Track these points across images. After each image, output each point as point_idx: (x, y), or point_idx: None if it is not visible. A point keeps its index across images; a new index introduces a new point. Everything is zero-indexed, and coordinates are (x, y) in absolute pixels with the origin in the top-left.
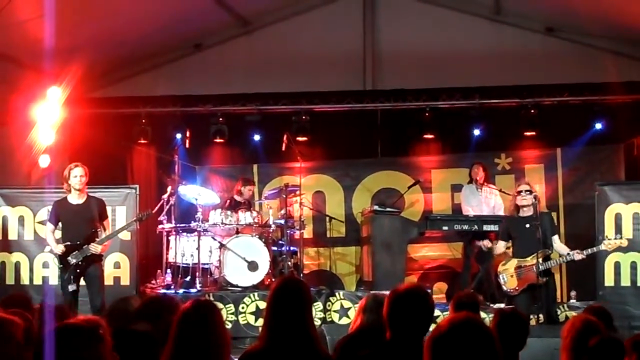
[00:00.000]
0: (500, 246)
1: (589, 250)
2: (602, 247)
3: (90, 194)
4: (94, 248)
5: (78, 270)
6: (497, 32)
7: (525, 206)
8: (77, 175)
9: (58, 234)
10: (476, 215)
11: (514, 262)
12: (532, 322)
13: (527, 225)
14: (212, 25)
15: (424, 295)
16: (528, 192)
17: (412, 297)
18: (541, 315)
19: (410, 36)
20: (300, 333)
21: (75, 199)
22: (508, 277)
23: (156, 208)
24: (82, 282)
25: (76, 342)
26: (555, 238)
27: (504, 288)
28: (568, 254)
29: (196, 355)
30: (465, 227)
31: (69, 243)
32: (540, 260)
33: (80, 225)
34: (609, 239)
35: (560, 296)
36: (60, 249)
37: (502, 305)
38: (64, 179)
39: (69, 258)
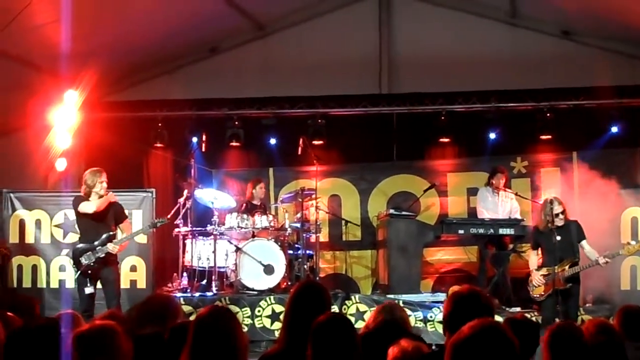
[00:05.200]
0: (533, 257)
1: (612, 254)
2: (622, 251)
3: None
4: (112, 247)
5: (90, 272)
6: (513, 35)
7: (559, 215)
8: (104, 181)
9: (75, 237)
10: (492, 219)
11: (538, 273)
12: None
13: (558, 238)
14: (227, 29)
15: (484, 296)
16: (562, 214)
17: (474, 298)
18: (559, 320)
19: (426, 40)
20: None
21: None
22: (535, 285)
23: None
24: (98, 285)
25: (92, 347)
26: (584, 243)
27: (532, 295)
28: (595, 260)
29: None
30: (481, 230)
31: (82, 245)
32: (566, 267)
33: (97, 230)
34: (631, 244)
35: None
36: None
37: (518, 309)
38: (84, 184)
39: (82, 259)
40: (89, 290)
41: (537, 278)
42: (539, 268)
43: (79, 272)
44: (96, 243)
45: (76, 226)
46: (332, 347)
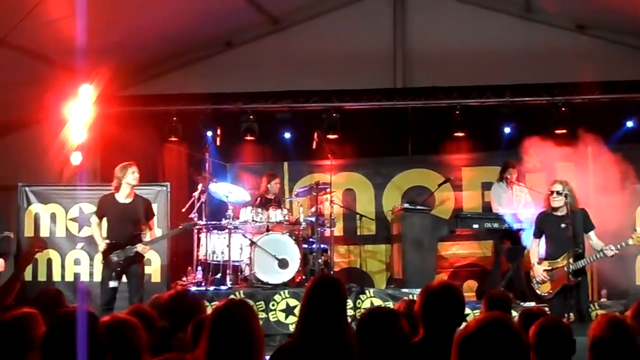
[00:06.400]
0: (535, 246)
1: (619, 245)
2: (631, 241)
3: (137, 194)
4: (142, 248)
5: (119, 269)
6: (528, 30)
7: (559, 207)
8: (135, 171)
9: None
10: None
11: (541, 266)
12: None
13: (562, 225)
14: (242, 24)
15: (455, 291)
16: (559, 194)
17: (444, 293)
18: (572, 314)
19: (440, 34)
20: (334, 331)
21: (123, 198)
22: (539, 281)
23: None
24: (123, 279)
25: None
26: (591, 234)
27: (538, 292)
28: (601, 250)
29: (230, 355)
30: (496, 225)
31: (113, 241)
32: (571, 260)
33: (126, 225)
34: (637, 232)
35: (591, 295)
36: (103, 246)
37: (533, 304)
38: (115, 177)
39: (112, 256)
40: (113, 284)
41: (540, 273)
42: (540, 262)
43: (108, 268)
44: (124, 242)
45: (105, 221)
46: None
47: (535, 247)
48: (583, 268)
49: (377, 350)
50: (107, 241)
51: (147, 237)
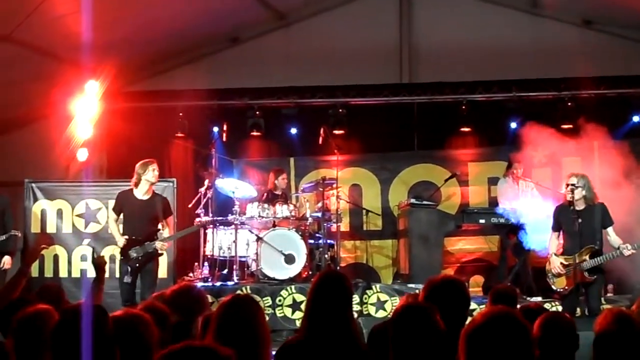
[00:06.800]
0: (554, 240)
1: (636, 244)
2: None
3: (156, 192)
4: (160, 246)
5: (137, 265)
6: (535, 25)
7: (576, 201)
8: (155, 169)
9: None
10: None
11: (557, 260)
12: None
13: (580, 220)
14: (248, 19)
15: (459, 285)
16: (574, 187)
17: (448, 286)
18: (580, 310)
19: (446, 29)
20: (340, 326)
21: (141, 194)
22: (555, 274)
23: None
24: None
25: (121, 336)
26: (610, 230)
27: (554, 288)
28: (618, 248)
29: (236, 350)
30: (502, 220)
31: (132, 237)
32: (587, 257)
33: (143, 221)
34: None
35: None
36: (122, 241)
37: (539, 299)
38: (135, 173)
39: (130, 252)
40: (128, 279)
41: (557, 266)
42: (557, 255)
43: (125, 264)
44: (142, 238)
45: (123, 214)
46: (413, 336)
47: (555, 240)
48: (600, 266)
49: (413, 346)
50: (126, 237)
51: (164, 234)
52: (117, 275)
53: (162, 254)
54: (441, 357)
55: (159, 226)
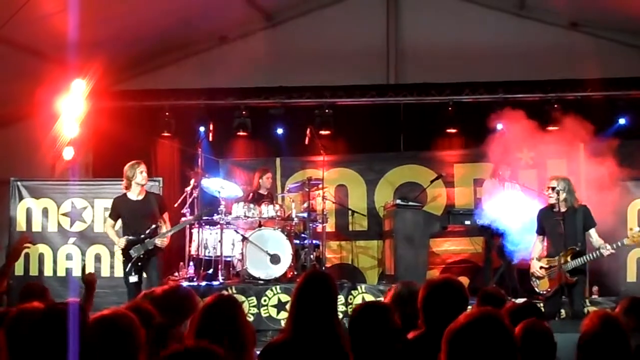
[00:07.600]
0: (538, 244)
1: (615, 244)
2: (626, 241)
3: (149, 191)
4: (160, 242)
5: (140, 263)
6: (521, 26)
7: (557, 204)
8: (143, 171)
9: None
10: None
11: (538, 264)
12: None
13: (561, 222)
14: (236, 19)
15: (459, 286)
16: (554, 190)
17: (448, 288)
18: (562, 311)
19: (434, 30)
20: (325, 327)
21: (135, 195)
22: (537, 277)
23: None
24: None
25: (107, 335)
26: (592, 232)
27: (537, 290)
28: (598, 249)
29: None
30: (487, 221)
31: (131, 237)
32: (569, 258)
33: (141, 221)
34: (634, 230)
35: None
36: (122, 242)
37: (524, 300)
38: (125, 177)
39: (131, 251)
40: (133, 279)
41: (537, 270)
42: (539, 258)
43: (128, 264)
44: (143, 236)
45: (121, 217)
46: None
47: (539, 244)
48: (581, 267)
49: (371, 346)
50: (126, 237)
51: (163, 229)
52: (103, 274)
53: (162, 250)
54: (397, 356)
55: (158, 223)
